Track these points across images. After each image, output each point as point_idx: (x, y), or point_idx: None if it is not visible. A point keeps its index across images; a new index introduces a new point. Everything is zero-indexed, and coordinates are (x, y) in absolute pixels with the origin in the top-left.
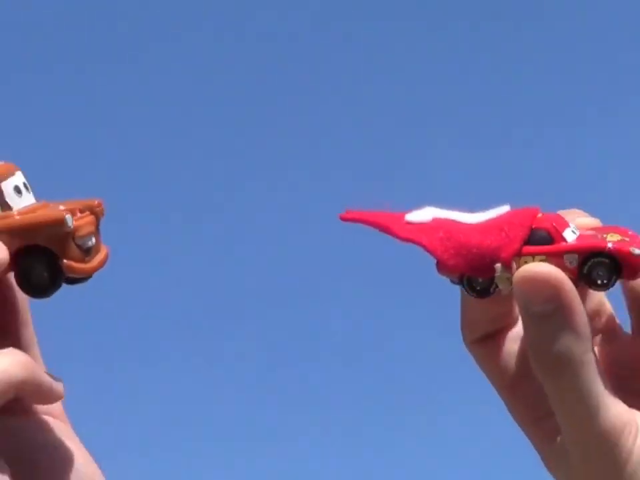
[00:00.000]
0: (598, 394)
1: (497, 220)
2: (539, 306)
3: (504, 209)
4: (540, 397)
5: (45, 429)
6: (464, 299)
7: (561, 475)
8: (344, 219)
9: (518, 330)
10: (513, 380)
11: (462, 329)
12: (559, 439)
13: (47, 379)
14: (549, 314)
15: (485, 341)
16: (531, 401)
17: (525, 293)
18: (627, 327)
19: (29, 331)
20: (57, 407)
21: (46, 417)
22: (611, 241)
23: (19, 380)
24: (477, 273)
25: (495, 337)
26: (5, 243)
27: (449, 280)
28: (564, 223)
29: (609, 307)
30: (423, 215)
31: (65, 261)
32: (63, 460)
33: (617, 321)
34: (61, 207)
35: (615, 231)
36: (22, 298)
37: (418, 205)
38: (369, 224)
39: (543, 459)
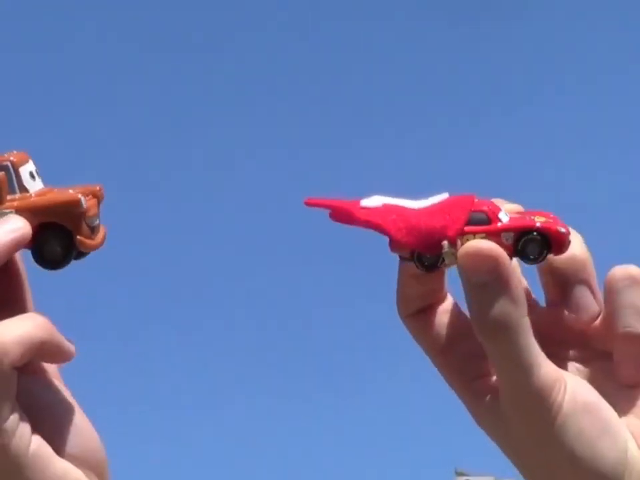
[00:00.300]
0: (532, 354)
1: (440, 205)
2: (481, 276)
3: (443, 195)
4: (469, 362)
5: (52, 388)
6: (401, 278)
7: (492, 429)
8: (308, 204)
9: (447, 305)
10: (444, 348)
11: (398, 304)
12: (487, 397)
13: (63, 339)
14: (489, 283)
15: (418, 315)
16: (461, 366)
17: (469, 265)
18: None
19: (30, 300)
20: (54, 369)
21: (50, 377)
22: (539, 221)
23: (41, 340)
24: (426, 249)
25: (427, 311)
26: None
27: (399, 257)
28: (497, 207)
29: (525, 283)
30: (375, 201)
31: (78, 237)
32: (67, 416)
33: (533, 295)
34: (70, 191)
35: (539, 214)
36: (24, 270)
37: (366, 193)
38: (331, 207)
39: (473, 415)
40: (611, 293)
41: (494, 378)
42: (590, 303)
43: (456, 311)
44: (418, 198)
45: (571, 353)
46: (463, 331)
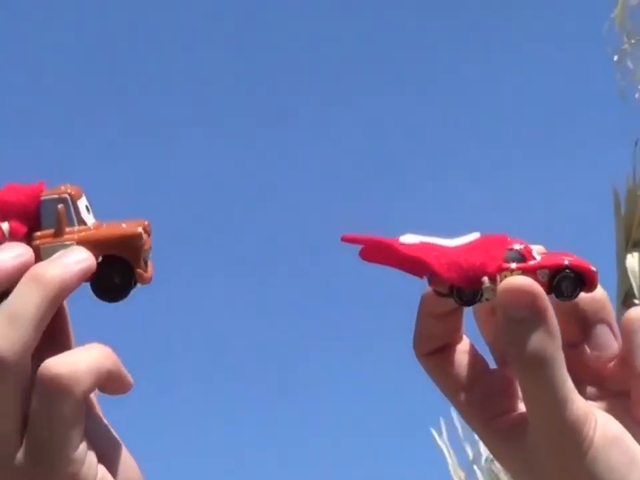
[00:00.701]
0: (567, 387)
1: (476, 243)
2: (520, 311)
3: (475, 235)
4: (489, 401)
5: (97, 418)
6: (421, 317)
7: (514, 464)
8: (345, 240)
9: (464, 345)
10: (463, 387)
11: (415, 343)
12: (510, 433)
13: (124, 369)
14: (528, 317)
15: (435, 354)
16: (481, 405)
17: (508, 300)
18: None
19: (72, 334)
20: (94, 399)
21: (96, 408)
22: (569, 259)
23: (109, 370)
24: (467, 284)
25: (445, 351)
26: None
27: (437, 293)
28: (530, 246)
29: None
30: (412, 238)
31: (138, 270)
32: (114, 447)
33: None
34: (124, 225)
35: (564, 254)
36: (66, 304)
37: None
38: (370, 243)
39: (493, 452)
40: (628, 333)
41: (515, 414)
42: (611, 341)
43: (473, 351)
44: (450, 237)
45: (588, 391)
46: (481, 371)
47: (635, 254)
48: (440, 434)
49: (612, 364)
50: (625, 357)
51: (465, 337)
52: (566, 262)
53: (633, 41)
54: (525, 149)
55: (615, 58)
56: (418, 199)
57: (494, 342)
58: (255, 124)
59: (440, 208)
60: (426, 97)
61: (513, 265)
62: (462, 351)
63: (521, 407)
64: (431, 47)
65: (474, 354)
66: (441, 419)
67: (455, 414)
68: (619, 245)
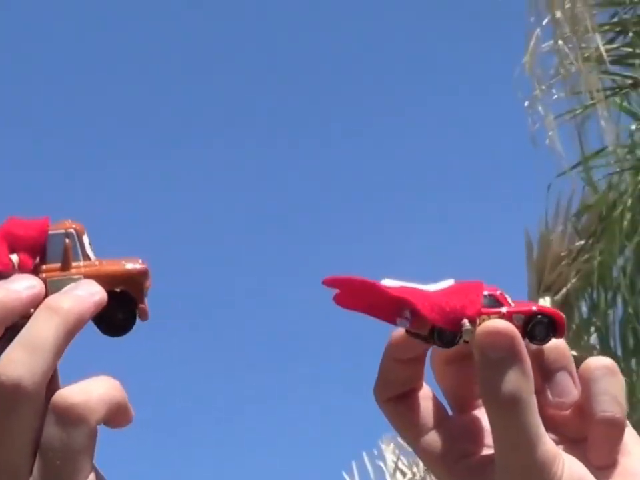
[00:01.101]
0: (539, 428)
1: (454, 288)
2: (498, 352)
3: (449, 281)
4: (451, 444)
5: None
6: (385, 362)
7: None
8: (327, 283)
9: (425, 391)
10: (425, 432)
11: (378, 388)
12: (474, 475)
13: (129, 402)
14: (505, 359)
15: (398, 400)
16: (443, 449)
17: (487, 342)
18: None
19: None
20: None
21: None
22: (537, 307)
23: (118, 401)
24: (448, 325)
25: (407, 397)
26: None
27: (414, 335)
28: (504, 293)
29: None
30: (393, 282)
31: (141, 305)
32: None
33: None
34: (123, 262)
35: (532, 303)
36: None
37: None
38: (353, 284)
39: None
40: (587, 382)
41: (480, 456)
42: (572, 388)
43: (434, 397)
44: (425, 283)
45: (548, 436)
46: (442, 416)
47: (547, 298)
48: (352, 477)
49: (569, 411)
50: (582, 404)
51: (425, 384)
52: (534, 308)
53: (543, 87)
54: (443, 197)
55: (526, 103)
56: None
57: (449, 389)
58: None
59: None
60: (351, 153)
61: (492, 310)
62: (423, 396)
63: (484, 450)
64: (359, 102)
65: (435, 400)
66: (353, 462)
67: (367, 458)
68: (531, 289)
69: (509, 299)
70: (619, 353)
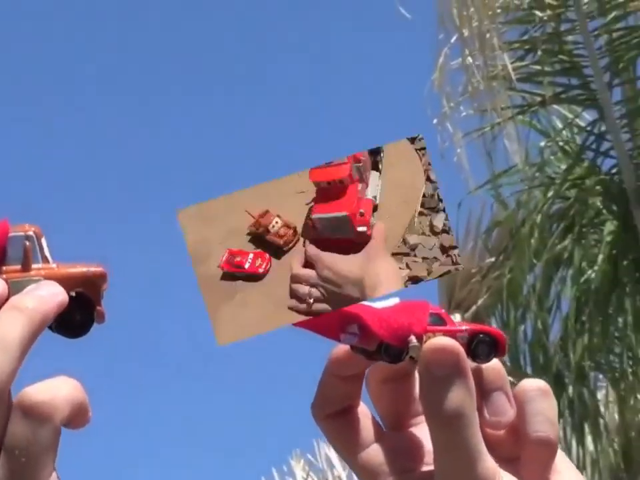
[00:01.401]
0: (481, 444)
1: (400, 306)
2: (444, 369)
3: (395, 300)
4: (390, 460)
5: None
6: (325, 378)
7: None
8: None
9: (362, 408)
10: (363, 449)
11: (317, 405)
12: None
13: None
14: (450, 376)
15: (335, 417)
16: (382, 465)
17: (433, 358)
18: None
19: None
20: None
21: None
22: (480, 327)
23: (80, 402)
24: (396, 342)
25: (345, 413)
26: None
27: (359, 350)
28: (447, 313)
29: None
30: None
31: (98, 308)
32: None
33: None
34: (82, 265)
35: (476, 323)
36: None
37: None
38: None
39: None
40: (522, 402)
41: (418, 472)
42: (508, 408)
43: (370, 414)
44: (372, 301)
45: None
46: (379, 434)
47: (457, 315)
48: None
49: (503, 431)
50: (516, 425)
51: (360, 401)
52: (477, 327)
53: (452, 104)
54: None
55: (435, 121)
56: None
57: (385, 408)
58: None
59: None
60: None
61: (438, 327)
62: (361, 413)
63: (423, 467)
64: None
65: (371, 417)
66: (263, 478)
67: (276, 474)
68: (442, 306)
69: (453, 319)
70: (529, 370)
